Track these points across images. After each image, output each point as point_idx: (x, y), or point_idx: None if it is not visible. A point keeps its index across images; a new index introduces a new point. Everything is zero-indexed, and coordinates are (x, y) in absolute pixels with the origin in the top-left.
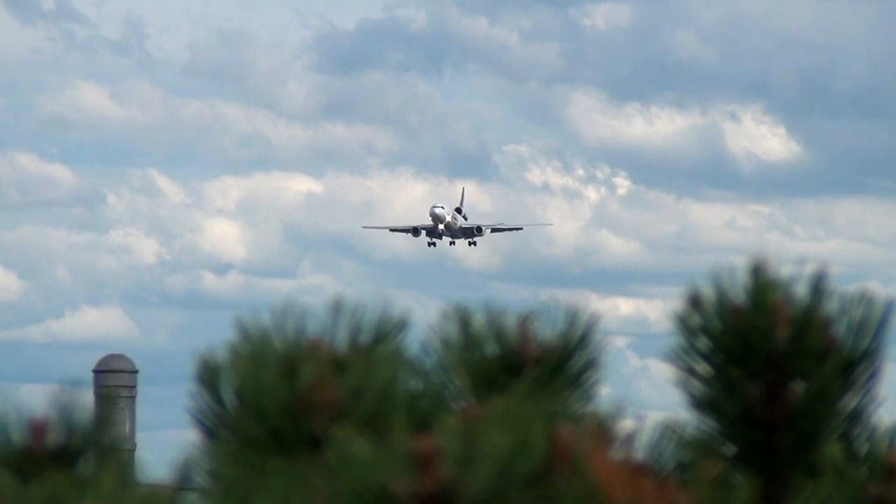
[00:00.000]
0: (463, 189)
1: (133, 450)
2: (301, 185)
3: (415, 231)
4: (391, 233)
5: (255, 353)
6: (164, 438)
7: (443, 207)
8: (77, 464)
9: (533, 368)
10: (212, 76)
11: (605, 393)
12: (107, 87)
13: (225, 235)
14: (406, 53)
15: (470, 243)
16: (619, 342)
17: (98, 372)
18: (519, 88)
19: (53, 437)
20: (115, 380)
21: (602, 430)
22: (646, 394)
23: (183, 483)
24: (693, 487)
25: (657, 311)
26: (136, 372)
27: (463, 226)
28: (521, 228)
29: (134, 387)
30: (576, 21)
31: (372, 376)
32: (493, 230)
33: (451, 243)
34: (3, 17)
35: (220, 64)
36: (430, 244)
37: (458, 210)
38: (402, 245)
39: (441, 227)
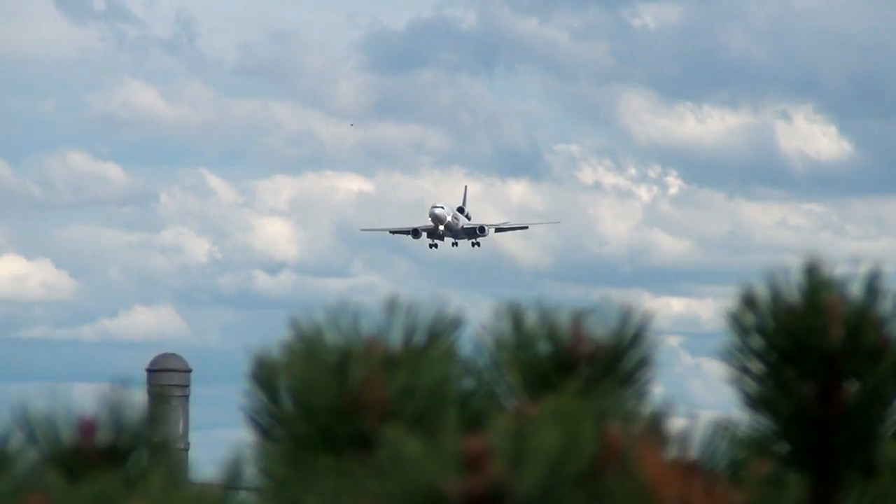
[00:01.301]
0: (465, 188)
1: (186, 449)
2: (352, 185)
3: (415, 232)
4: (391, 235)
5: (309, 351)
6: (217, 437)
7: (443, 207)
8: (127, 463)
9: (585, 367)
10: (263, 75)
11: (658, 392)
12: (158, 86)
13: (277, 235)
14: (456, 53)
15: (473, 244)
16: (672, 341)
17: (151, 371)
18: (569, 87)
19: (103, 436)
20: (168, 379)
21: (653, 429)
22: (698, 393)
23: (233, 482)
24: (745, 486)
25: (709, 310)
26: (189, 371)
27: (465, 226)
28: (527, 227)
29: (187, 386)
30: (626, 20)
31: (423, 375)
32: (498, 230)
33: (454, 244)
34: (55, 17)
35: (270, 63)
36: (431, 246)
37: (461, 210)
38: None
39: (441, 227)
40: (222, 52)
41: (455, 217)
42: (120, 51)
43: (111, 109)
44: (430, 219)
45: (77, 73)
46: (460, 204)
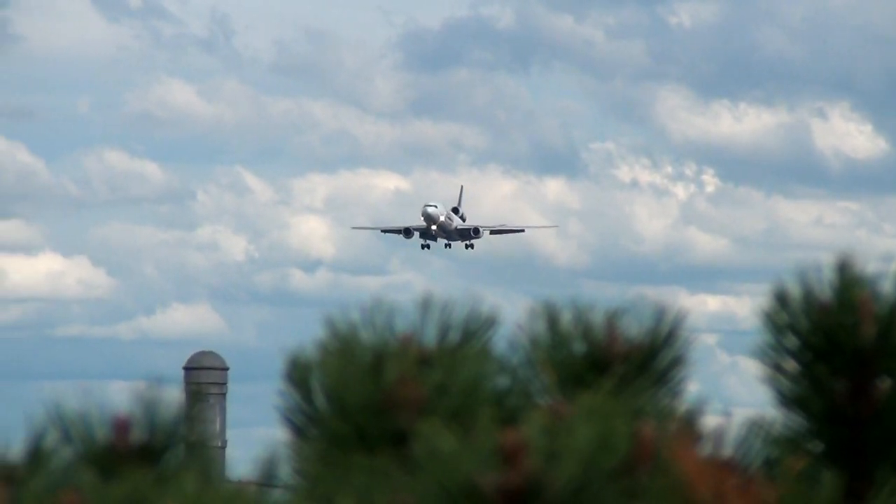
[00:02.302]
0: (461, 188)
1: (223, 447)
2: (388, 183)
3: (406, 232)
4: (383, 234)
5: (344, 350)
6: (254, 436)
7: (436, 206)
8: (161, 461)
9: (619, 366)
10: (298, 74)
11: (694, 390)
12: (194, 84)
13: (313, 233)
14: (492, 51)
15: (467, 246)
16: (708, 339)
17: (189, 369)
18: (605, 86)
19: (137, 435)
20: (205, 377)
21: (687, 427)
22: (735, 391)
23: (268, 480)
24: (779, 484)
25: (746, 308)
26: (226, 369)
27: (459, 227)
28: (523, 230)
29: (224, 384)
30: (662, 18)
31: (458, 373)
32: (493, 232)
33: (447, 245)
34: (91, 15)
35: (306, 62)
36: (423, 246)
37: (456, 210)
38: (490, 242)
39: (434, 227)
40: (258, 50)
41: (449, 217)
42: (156, 48)
43: (147, 107)
44: (422, 218)
45: (113, 71)
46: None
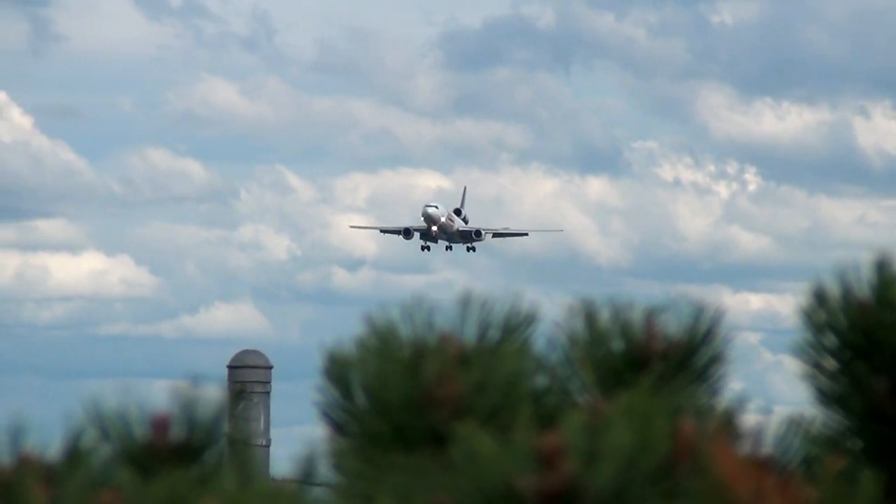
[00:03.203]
0: (465, 188)
1: (267, 446)
2: (430, 182)
3: (406, 232)
4: (382, 234)
5: (382, 347)
6: (298, 434)
7: (437, 207)
8: (200, 459)
9: (658, 363)
10: (340, 72)
11: (736, 388)
12: (236, 82)
13: (355, 232)
14: (533, 50)
15: (468, 248)
16: (752, 338)
17: (232, 367)
18: (646, 84)
19: (176, 433)
20: (249, 375)
21: (726, 426)
22: (779, 389)
23: (308, 478)
24: (819, 483)
25: (788, 306)
26: (270, 367)
27: (461, 229)
28: (527, 234)
29: (268, 382)
30: (704, 16)
31: (496, 371)
32: (496, 235)
33: (448, 248)
34: (132, 14)
35: (348, 60)
36: (423, 248)
37: (458, 211)
38: (533, 241)
39: (435, 229)
40: (299, 48)
41: (450, 218)
42: (197, 47)
43: (189, 106)
44: (422, 218)
45: (155, 70)
46: (458, 205)
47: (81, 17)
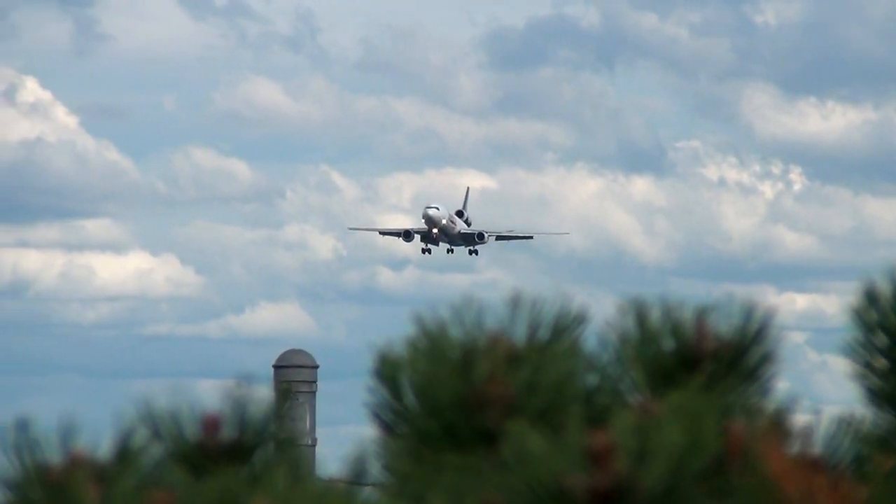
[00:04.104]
0: (467, 189)
1: (313, 445)
2: (475, 181)
3: (406, 235)
4: (381, 236)
5: (432, 348)
6: (344, 434)
7: (437, 208)
8: (251, 459)
9: (708, 363)
10: (384, 72)
11: (783, 388)
12: (280, 82)
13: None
14: (576, 50)
15: (471, 251)
16: (797, 337)
17: (279, 367)
18: (689, 84)
19: (227, 433)
20: (296, 375)
21: (776, 425)
22: (824, 389)
23: (357, 478)
24: (869, 482)
25: (834, 306)
26: (316, 367)
27: (463, 231)
28: (532, 237)
29: (314, 381)
30: (747, 16)
31: (547, 371)
32: (499, 238)
33: (449, 251)
34: (176, 14)
35: (391, 60)
36: (424, 251)
37: (460, 213)
38: (577, 241)
39: (436, 231)
40: (343, 47)
41: (451, 220)
42: (242, 47)
43: (234, 106)
44: (423, 220)
45: (199, 70)
46: (460, 207)
47: (126, 17)
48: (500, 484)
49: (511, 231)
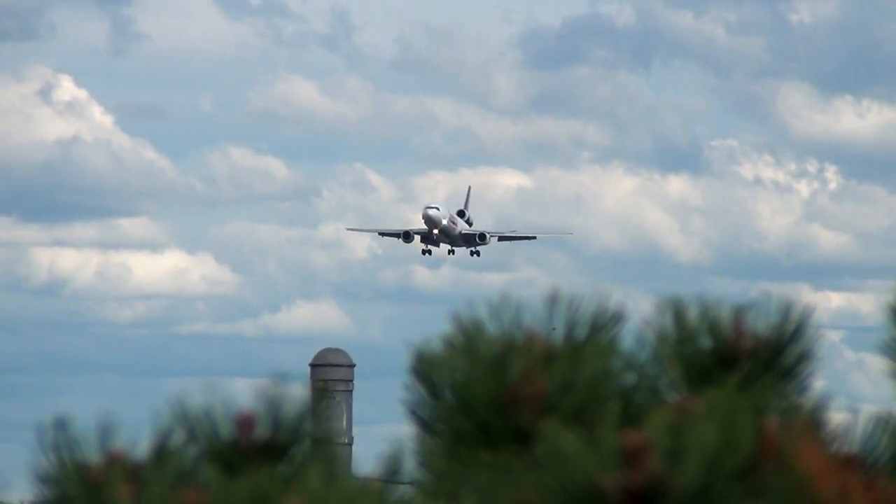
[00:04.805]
0: (468, 188)
1: (349, 444)
2: (510, 180)
3: (406, 236)
4: (380, 237)
5: (469, 346)
6: (380, 432)
7: (437, 208)
8: (285, 458)
9: (746, 361)
10: (419, 71)
11: (819, 386)
12: (316, 81)
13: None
14: (612, 49)
15: (472, 252)
16: (833, 336)
17: (315, 366)
18: (724, 83)
19: (261, 431)
20: (332, 373)
21: (812, 424)
22: (861, 387)
23: (393, 476)
24: None
25: (870, 304)
26: (353, 366)
27: (464, 232)
28: (535, 238)
29: (351, 380)
30: (782, 14)
31: (582, 369)
32: (501, 238)
33: (450, 252)
34: (212, 13)
35: (427, 59)
36: (424, 252)
37: (461, 213)
38: (613, 239)
39: (436, 232)
40: (379, 47)
41: (452, 220)
42: (277, 46)
43: (270, 105)
44: (423, 221)
45: (235, 69)
46: (461, 207)
47: (162, 16)
48: (534, 483)
49: (513, 231)
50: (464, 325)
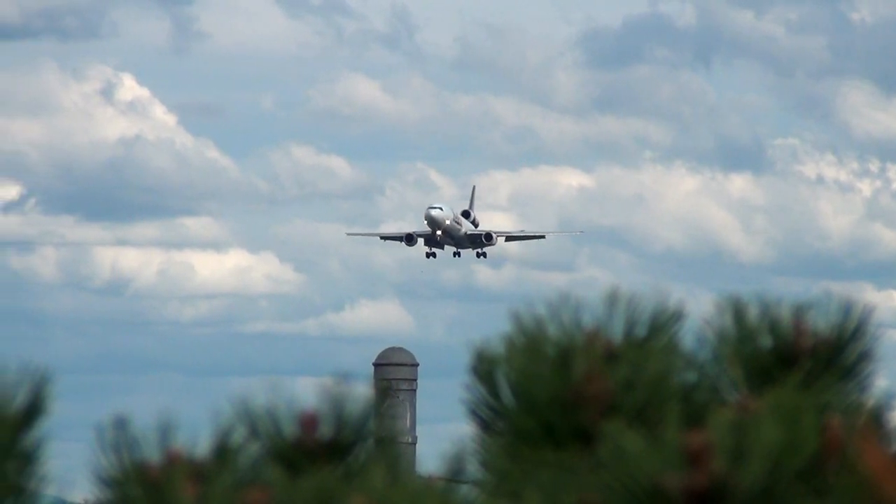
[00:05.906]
0: (473, 188)
1: (413, 443)
2: (571, 179)
3: (409, 238)
4: (382, 241)
5: (530, 345)
6: (443, 431)
7: (440, 209)
8: (349, 457)
9: (806, 360)
10: (481, 70)
11: (881, 386)
12: (377, 80)
13: (498, 229)
14: (672, 48)
15: (479, 254)
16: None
17: (378, 365)
18: (786, 82)
19: (325, 431)
20: (396, 373)
21: (874, 423)
22: None
23: (455, 475)
24: None
25: None
26: (416, 365)
27: (470, 232)
28: (544, 237)
29: (415, 379)
30: (843, 14)
31: (645, 368)
32: (509, 238)
33: (456, 254)
34: (272, 12)
35: (488, 58)
36: (428, 255)
37: (466, 214)
38: (675, 238)
39: (440, 233)
40: (440, 46)
41: (457, 221)
42: (338, 45)
43: (332, 103)
44: (425, 222)
45: (296, 68)
46: (466, 207)
47: (223, 15)
48: (597, 482)
49: (522, 231)
50: (524, 324)
